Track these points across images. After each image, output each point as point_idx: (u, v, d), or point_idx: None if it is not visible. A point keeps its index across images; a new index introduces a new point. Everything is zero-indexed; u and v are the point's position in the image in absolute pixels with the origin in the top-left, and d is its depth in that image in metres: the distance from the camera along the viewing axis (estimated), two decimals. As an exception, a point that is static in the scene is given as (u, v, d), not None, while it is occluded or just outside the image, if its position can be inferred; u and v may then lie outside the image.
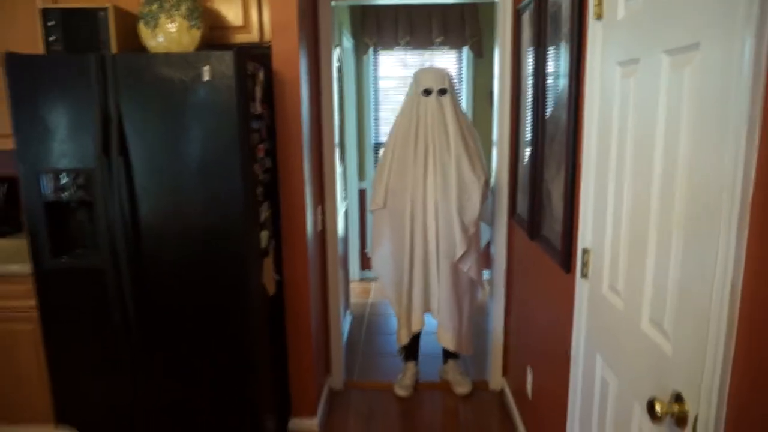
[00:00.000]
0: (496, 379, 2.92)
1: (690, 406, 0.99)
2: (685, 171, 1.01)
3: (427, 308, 2.82)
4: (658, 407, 1.03)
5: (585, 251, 1.56)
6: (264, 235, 2.14)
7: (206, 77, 1.87)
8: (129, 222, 1.97)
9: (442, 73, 2.72)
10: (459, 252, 2.66)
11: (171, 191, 1.97)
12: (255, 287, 2.05)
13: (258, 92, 2.09)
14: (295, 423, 2.51)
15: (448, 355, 3.01)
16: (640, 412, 1.22)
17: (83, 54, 1.92)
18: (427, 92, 2.69)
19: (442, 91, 2.68)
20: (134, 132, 1.92)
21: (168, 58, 1.89)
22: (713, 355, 0.92)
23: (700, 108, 0.95)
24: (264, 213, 2.18)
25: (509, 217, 2.71)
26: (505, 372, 2.88)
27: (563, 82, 1.76)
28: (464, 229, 2.65)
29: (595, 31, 1.46)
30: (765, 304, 0.81)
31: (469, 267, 2.72)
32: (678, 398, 1.03)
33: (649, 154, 1.15)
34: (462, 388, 2.87)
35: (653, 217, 1.15)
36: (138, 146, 1.93)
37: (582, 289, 1.58)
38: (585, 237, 1.57)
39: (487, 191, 2.73)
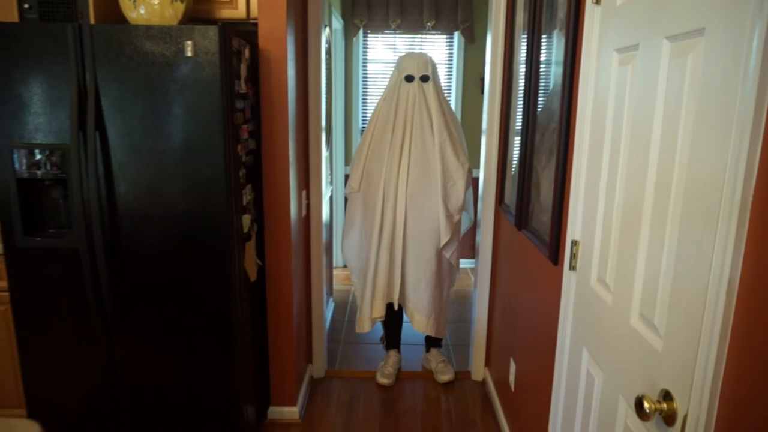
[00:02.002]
0: (479, 369, 2.91)
1: (679, 405, 0.97)
2: (683, 164, 0.97)
3: (390, 298, 2.76)
4: (646, 405, 1.00)
5: (574, 243, 1.53)
6: (246, 218, 2.08)
7: (189, 52, 1.80)
8: (105, 201, 1.90)
9: (425, 60, 2.68)
10: (444, 238, 2.63)
11: (150, 170, 1.90)
12: (236, 272, 1.99)
13: (243, 70, 2.02)
14: (275, 411, 2.48)
15: (430, 343, 3.00)
16: (626, 408, 1.21)
17: (59, 23, 1.83)
18: (409, 78, 2.64)
19: (425, 78, 2.64)
20: (112, 107, 1.84)
21: (149, 30, 1.81)
22: (706, 353, 0.89)
23: (702, 98, 0.92)
24: (247, 196, 2.12)
25: (496, 206, 2.68)
26: (488, 362, 2.87)
27: (557, 70, 1.72)
28: (449, 215, 2.62)
29: (593, 16, 1.42)
30: (762, 303, 0.79)
31: (451, 253, 2.70)
32: (667, 396, 1.01)
33: (645, 145, 1.12)
34: (444, 375, 2.86)
35: (646, 211, 1.12)
36: (116, 122, 1.85)
37: (570, 281, 1.56)
38: (574, 229, 1.54)
39: (470, 179, 2.71)
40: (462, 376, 2.94)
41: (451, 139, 2.62)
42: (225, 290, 1.99)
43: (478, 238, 2.87)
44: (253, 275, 2.18)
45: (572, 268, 1.54)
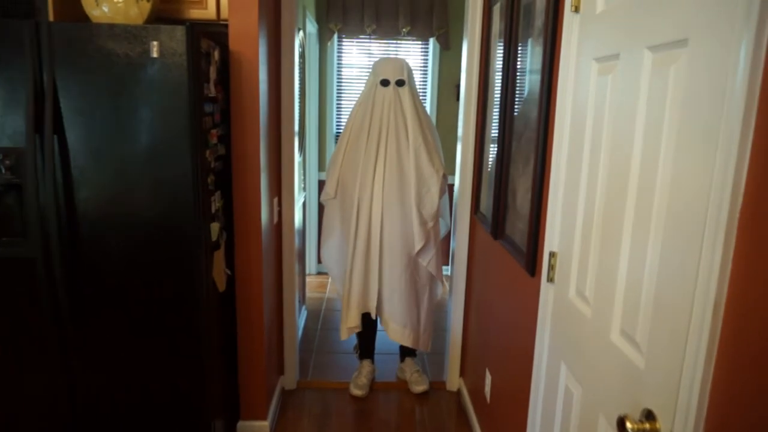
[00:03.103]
0: (453, 380, 2.88)
1: (662, 425, 0.94)
2: (666, 177, 0.95)
3: (365, 308, 2.71)
4: (629, 425, 0.97)
5: (551, 255, 1.50)
6: (215, 226, 2.00)
7: (155, 53, 1.72)
8: (63, 208, 1.80)
9: (401, 64, 2.65)
10: (417, 246, 2.59)
11: (112, 176, 1.81)
12: (204, 283, 1.91)
13: (212, 73, 1.94)
14: (244, 426, 2.39)
15: (405, 353, 2.95)
16: (605, 426, 1.18)
17: (15, 20, 1.72)
18: (385, 83, 2.61)
19: (400, 82, 2.61)
20: (72, 110, 1.75)
21: (112, 29, 1.72)
22: (691, 372, 0.86)
23: (686, 110, 0.90)
24: (216, 203, 2.04)
25: (472, 215, 2.66)
26: (463, 373, 2.84)
27: (534, 78, 1.70)
28: (423, 222, 2.59)
29: (571, 24, 1.40)
30: (750, 320, 0.76)
31: (428, 261, 2.66)
32: (649, 416, 0.98)
33: (626, 157, 1.10)
34: (419, 386, 2.81)
35: (627, 224, 1.09)
36: (76, 125, 1.76)
37: (547, 293, 1.53)
38: (552, 240, 1.51)
39: (445, 185, 2.68)
40: (437, 386, 2.90)
41: (426, 144, 2.59)
42: (192, 302, 1.90)
43: (453, 246, 2.84)
44: (221, 285, 2.10)
45: (550, 280, 1.51)
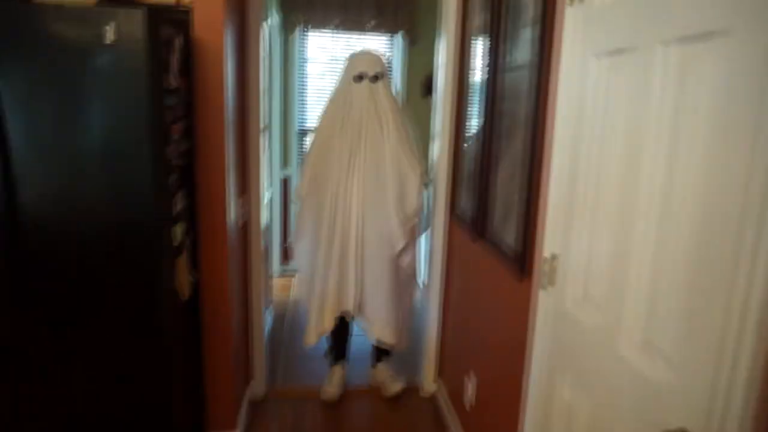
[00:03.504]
0: (429, 384, 2.80)
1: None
2: (697, 175, 0.87)
3: (341, 307, 2.61)
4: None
5: (549, 259, 1.43)
6: (178, 229, 1.84)
7: (109, 39, 1.54)
8: (4, 210, 1.60)
9: (377, 58, 2.55)
10: (399, 245, 2.50)
11: (62, 175, 1.62)
12: (166, 291, 1.75)
13: (174, 62, 1.78)
14: (210, 440, 2.23)
15: (379, 356, 2.85)
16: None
17: (-57, -3, 1.52)
18: (360, 77, 2.49)
19: (376, 77, 2.50)
20: (13, 100, 1.55)
21: (60, 11, 1.53)
22: (726, 387, 0.80)
23: (722, 111, 0.82)
24: (179, 203, 1.88)
25: (449, 215, 2.58)
26: (439, 376, 2.77)
27: (524, 74, 1.62)
28: (403, 222, 2.49)
29: (568, 16, 1.32)
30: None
31: (408, 262, 2.57)
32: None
33: (641, 155, 1.02)
34: (393, 388, 2.72)
35: (641, 232, 1.02)
36: (17, 118, 1.56)
37: (543, 300, 1.46)
38: (550, 244, 1.44)
39: (424, 182, 2.59)
40: (412, 390, 2.81)
41: (404, 141, 2.49)
42: (153, 311, 1.74)
43: (428, 247, 2.76)
44: (185, 293, 1.94)
45: (546, 286, 1.44)
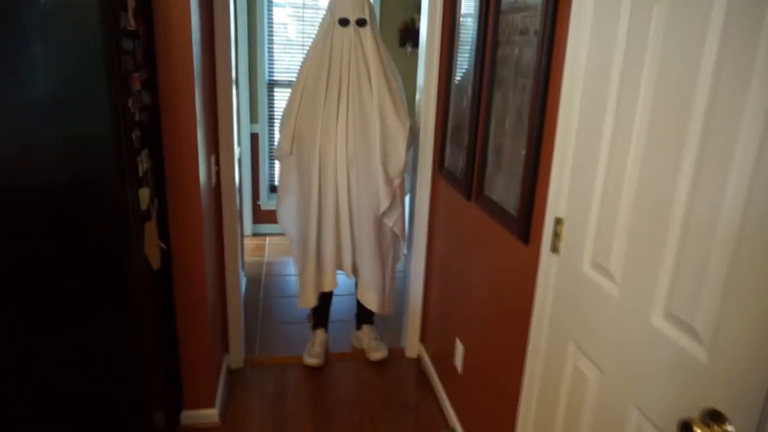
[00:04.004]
0: (413, 347, 2.73)
1: (737, 429, 0.80)
2: (754, 134, 0.76)
3: (338, 266, 2.52)
4: (698, 431, 0.82)
5: (558, 221, 1.32)
6: (144, 193, 1.65)
7: (51, -32, 1.30)
8: (-63, 175, 1.38)
9: (362, 1, 2.31)
10: (383, 205, 2.36)
11: (4, 134, 1.40)
12: (134, 261, 1.57)
13: (131, -1, 1.54)
14: (189, 415, 2.11)
15: (362, 319, 2.75)
16: (638, 415, 1.04)
17: None
18: (344, 22, 2.27)
19: (361, 22, 2.28)
20: (-64, 43, 1.30)
21: (-13, -67, 1.27)
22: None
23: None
24: (143, 164, 1.68)
25: (435, 172, 2.44)
26: (423, 339, 2.70)
27: (529, 16, 1.47)
28: (388, 180, 2.34)
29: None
30: None
31: (394, 221, 2.44)
32: (716, 417, 0.83)
33: (683, 113, 0.90)
34: (377, 353, 2.64)
35: (680, 195, 0.91)
36: (-56, 65, 1.32)
37: (550, 265, 1.36)
38: (557, 205, 1.33)
39: (412, 138, 2.43)
40: (395, 353, 2.74)
41: (390, 93, 2.31)
42: (122, 284, 1.56)
43: (411, 205, 2.63)
44: (156, 262, 1.76)
45: (554, 250, 1.34)
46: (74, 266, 1.52)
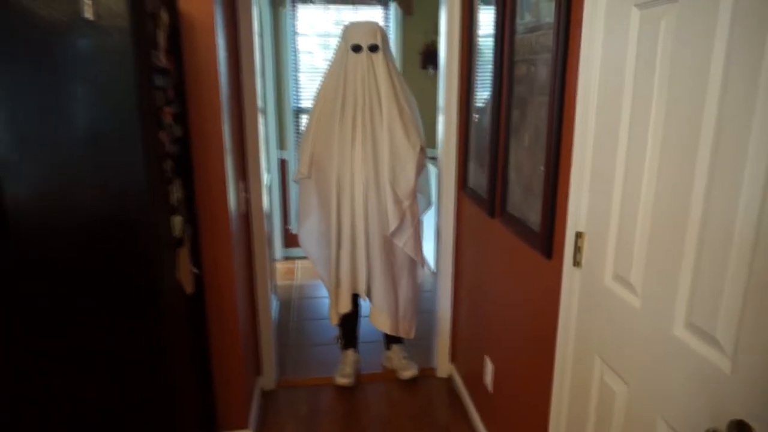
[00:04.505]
0: (443, 366, 2.72)
1: (764, 441, 0.78)
2: (758, 148, 0.77)
3: (354, 289, 2.55)
4: (724, 443, 0.81)
5: (578, 235, 1.32)
6: (177, 220, 1.72)
7: (88, 14, 1.40)
8: (-12, 209, 1.48)
9: (374, 28, 2.39)
10: (392, 225, 2.40)
11: (47, 167, 1.49)
12: (169, 286, 1.64)
13: (161, 39, 1.64)
14: (223, 437, 2.15)
15: (390, 339, 2.77)
16: (665, 429, 1.02)
17: None
18: (357, 48, 2.35)
19: (374, 48, 2.36)
20: (-13, 88, 1.41)
21: (31, -15, 1.38)
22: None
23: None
24: (176, 193, 1.75)
25: (458, 190, 2.46)
26: (454, 358, 2.68)
27: (543, 35, 1.49)
28: (397, 201, 2.38)
29: (599, -35, 1.19)
30: None
31: (405, 242, 2.46)
32: (742, 428, 0.82)
33: (695, 119, 0.91)
34: (407, 372, 2.65)
35: (697, 197, 0.91)
36: (-6, 107, 1.43)
37: (573, 279, 1.36)
38: (578, 219, 1.33)
39: (423, 160, 2.47)
40: (426, 373, 2.73)
41: (401, 116, 2.36)
42: (156, 310, 1.63)
43: (437, 225, 2.65)
44: (189, 286, 1.82)
45: (576, 264, 1.34)
46: (110, 290, 1.59)
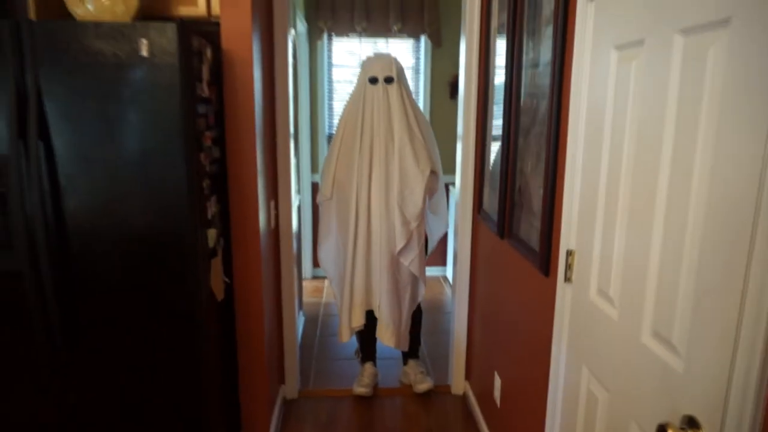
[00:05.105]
0: (459, 383, 2.81)
1: (708, 433, 0.88)
2: (706, 166, 0.89)
3: (369, 305, 2.69)
4: (672, 433, 0.91)
5: (569, 253, 1.44)
6: (212, 233, 1.92)
7: (144, 52, 1.63)
8: (52, 217, 1.70)
9: (389, 60, 2.60)
10: (399, 245, 2.55)
11: (103, 183, 1.71)
12: (202, 292, 1.82)
13: (205, 72, 1.86)
14: (246, 439, 2.30)
15: (407, 354, 2.88)
16: (637, 432, 1.12)
17: (-6, 20, 1.63)
18: (373, 80, 2.55)
19: (389, 79, 2.56)
20: (58, 113, 1.65)
21: (98, 28, 1.63)
22: (743, 375, 0.80)
23: (729, 97, 0.83)
24: (212, 209, 1.95)
25: (474, 214, 2.60)
26: (468, 375, 2.77)
27: (543, 70, 1.64)
28: (404, 222, 2.54)
29: (585, 11, 1.34)
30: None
31: (410, 261, 2.60)
32: (692, 423, 0.92)
33: (655, 148, 1.03)
34: (423, 385, 2.76)
35: (658, 219, 1.03)
36: (62, 130, 1.66)
37: (564, 294, 1.47)
38: (569, 238, 1.45)
39: (435, 184, 2.63)
40: (441, 389, 2.83)
41: (412, 143, 2.53)
42: (189, 312, 1.81)
43: (454, 247, 2.78)
44: (220, 294, 2.01)
45: (567, 280, 1.45)
46: (151, 295, 1.79)
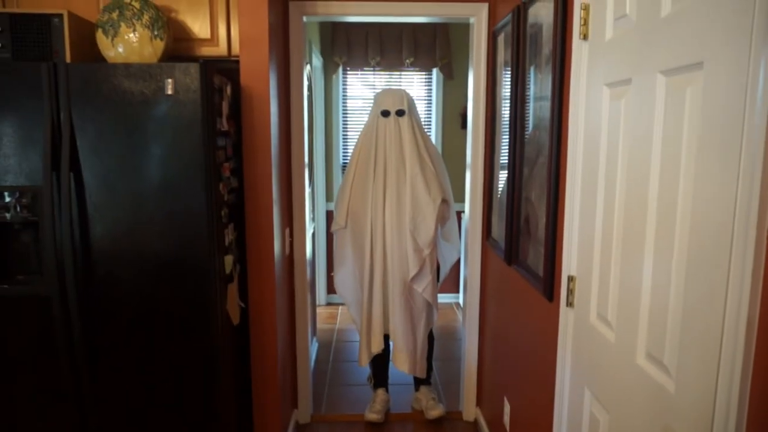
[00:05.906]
0: (470, 410, 2.82)
1: (697, 451, 0.92)
2: (687, 196, 0.95)
3: (386, 330, 2.75)
4: (663, 452, 0.95)
5: (570, 279, 1.49)
6: (228, 259, 2.01)
7: (169, 90, 1.75)
8: (79, 244, 1.81)
9: (401, 94, 2.71)
10: (412, 272, 2.61)
11: (128, 212, 1.82)
12: (219, 316, 1.90)
13: (225, 108, 1.98)
14: (258, 462, 2.34)
15: (420, 381, 2.91)
16: (635, 453, 1.15)
17: (33, 63, 1.77)
18: (386, 113, 2.66)
19: (400, 112, 2.66)
20: (88, 148, 1.77)
21: (128, 69, 1.76)
22: (726, 395, 0.85)
23: (705, 132, 0.90)
24: (229, 236, 2.05)
25: (483, 241, 2.65)
26: (479, 402, 2.79)
27: (544, 105, 1.72)
28: (417, 249, 2.61)
29: (580, 51, 1.42)
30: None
31: (424, 288, 2.66)
32: (683, 441, 0.96)
33: (644, 179, 1.10)
34: (434, 411, 2.78)
35: (649, 245, 1.09)
36: (92, 163, 1.78)
37: (567, 319, 1.52)
38: (570, 264, 1.50)
39: (447, 212, 2.71)
40: (453, 416, 2.84)
41: (423, 173, 2.62)
42: (206, 335, 1.89)
43: (464, 274, 2.83)
44: (235, 318, 2.08)
45: (569, 304, 1.50)
46: (171, 318, 1.87)
